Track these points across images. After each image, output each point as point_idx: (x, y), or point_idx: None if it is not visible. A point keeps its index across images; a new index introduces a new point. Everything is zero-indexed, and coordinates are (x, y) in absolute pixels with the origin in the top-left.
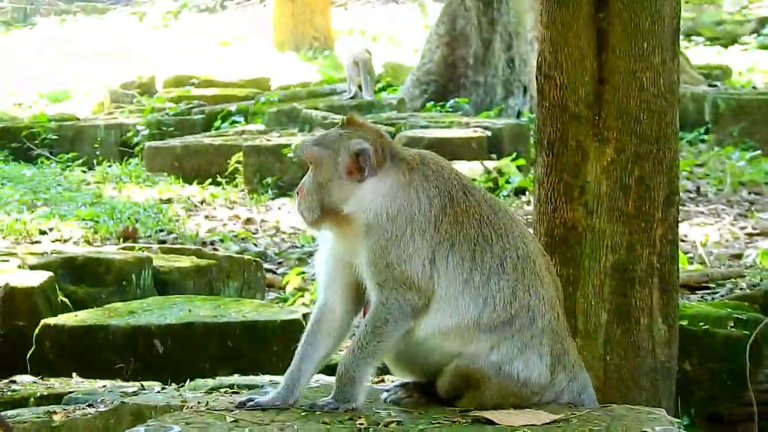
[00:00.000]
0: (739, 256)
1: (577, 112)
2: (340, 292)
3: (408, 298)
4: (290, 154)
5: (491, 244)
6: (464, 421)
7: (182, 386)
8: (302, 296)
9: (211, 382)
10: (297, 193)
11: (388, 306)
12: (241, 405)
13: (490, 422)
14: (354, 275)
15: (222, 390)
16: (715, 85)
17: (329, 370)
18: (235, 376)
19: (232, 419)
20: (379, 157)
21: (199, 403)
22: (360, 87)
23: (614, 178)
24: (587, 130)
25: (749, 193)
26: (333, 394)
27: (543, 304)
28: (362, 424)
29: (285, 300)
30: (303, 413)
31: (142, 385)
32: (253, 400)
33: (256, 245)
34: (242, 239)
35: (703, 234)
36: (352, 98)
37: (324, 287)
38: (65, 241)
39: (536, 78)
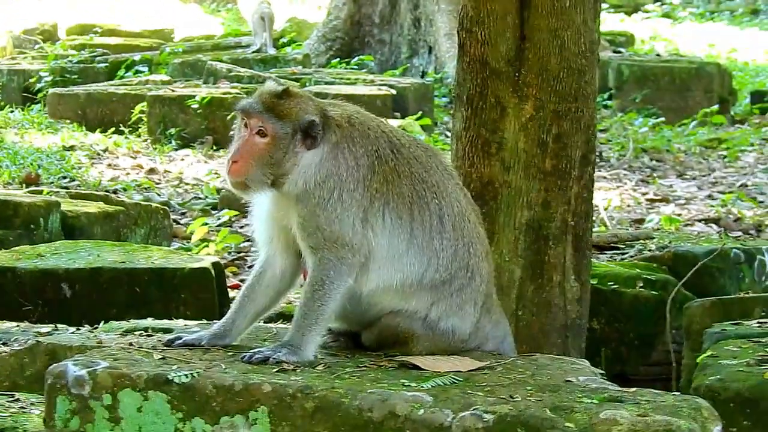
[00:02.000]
0: (640, 221)
1: (498, 68)
2: (279, 248)
3: (341, 257)
4: (194, 106)
5: (428, 202)
6: (390, 365)
7: (96, 328)
8: (207, 246)
9: (125, 324)
10: (233, 161)
11: (323, 266)
12: (170, 343)
13: (416, 367)
14: (291, 235)
15: (137, 332)
16: (620, 52)
17: None
18: (149, 319)
19: (160, 356)
20: (323, 126)
21: (130, 343)
22: (265, 42)
23: (532, 135)
24: (507, 87)
25: (651, 159)
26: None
27: (480, 260)
28: (289, 365)
29: (189, 250)
30: (230, 353)
31: (56, 326)
32: (181, 338)
33: (159, 195)
34: (145, 189)
35: (606, 198)
36: (256, 52)
37: (263, 244)
38: None
39: (458, 32)
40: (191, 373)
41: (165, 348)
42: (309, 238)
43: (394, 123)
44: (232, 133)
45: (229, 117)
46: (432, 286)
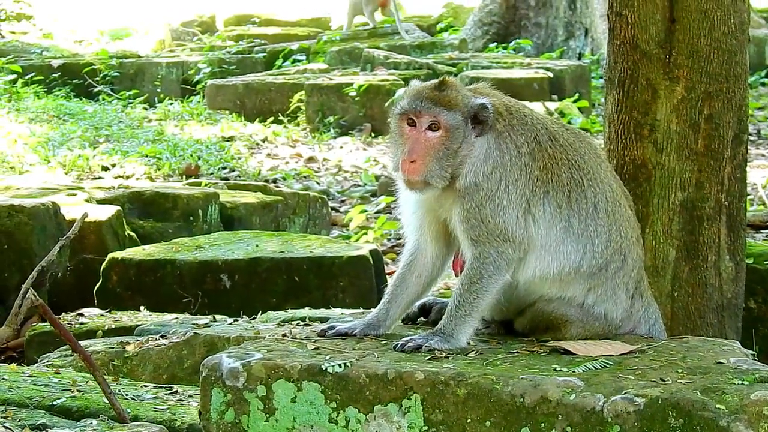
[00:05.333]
0: None
1: (648, 50)
2: (430, 237)
3: (502, 251)
4: (352, 93)
5: (584, 189)
6: (542, 351)
7: (254, 318)
8: (365, 234)
9: (283, 314)
10: (409, 162)
11: (483, 260)
12: (323, 333)
13: (568, 352)
14: (445, 225)
15: (294, 322)
16: None
17: None
18: (306, 309)
19: (314, 347)
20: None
21: (284, 334)
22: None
23: (684, 117)
24: (658, 69)
25: None
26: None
27: (631, 244)
28: (442, 353)
29: (348, 237)
30: (382, 342)
31: (214, 317)
32: (334, 328)
33: (318, 183)
34: (304, 177)
35: (764, 176)
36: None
37: (413, 233)
38: (128, 177)
39: (608, 16)
40: (344, 363)
41: (318, 338)
42: (472, 230)
43: (552, 105)
44: (388, 122)
45: (387, 104)
46: (589, 273)
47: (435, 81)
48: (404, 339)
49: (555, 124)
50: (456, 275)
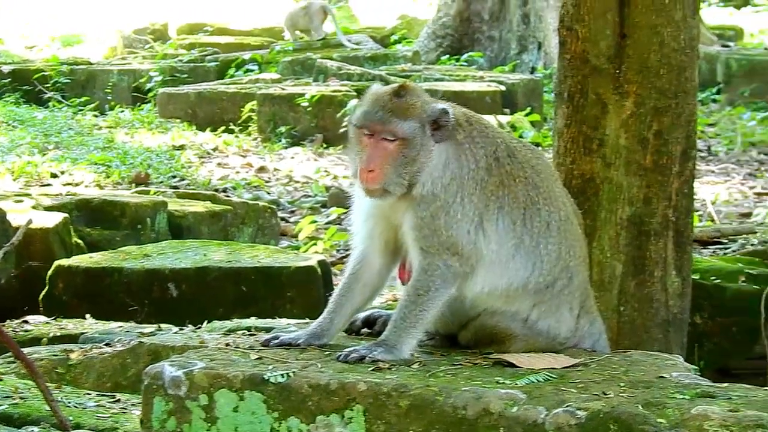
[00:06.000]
0: (748, 215)
1: (598, 65)
2: (378, 246)
3: (450, 265)
4: (304, 104)
5: (539, 208)
6: (485, 363)
7: (199, 327)
8: (315, 244)
9: (228, 323)
10: (367, 171)
11: (431, 272)
12: (267, 342)
13: (511, 365)
14: (395, 233)
15: (240, 332)
16: (728, 46)
17: None
18: (253, 318)
19: (256, 356)
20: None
21: (227, 343)
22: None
23: (633, 132)
24: (607, 83)
25: (759, 153)
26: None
27: (579, 263)
28: (384, 364)
29: (298, 248)
30: (326, 353)
31: (159, 326)
32: (278, 338)
33: (269, 193)
34: (255, 187)
35: (713, 192)
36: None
37: (362, 240)
38: (77, 184)
39: (558, 30)
40: (287, 373)
41: (262, 348)
42: (423, 239)
43: (504, 119)
44: (343, 131)
45: (338, 115)
46: (536, 289)
47: (395, 86)
48: (348, 350)
49: (513, 139)
50: (402, 283)
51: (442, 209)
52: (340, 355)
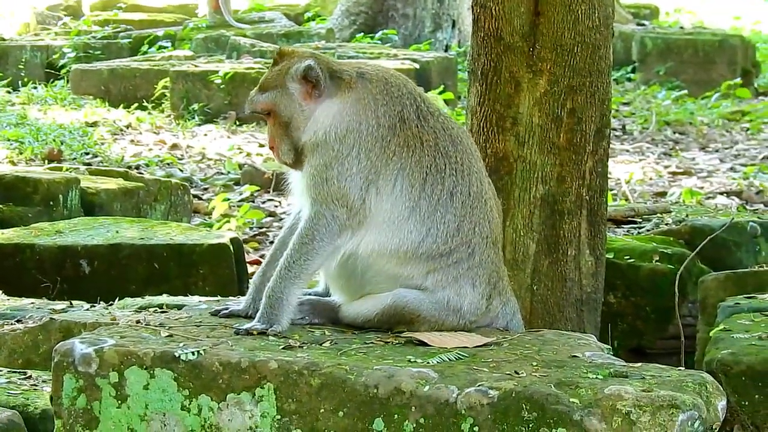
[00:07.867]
0: (662, 194)
1: (512, 43)
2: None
3: (337, 215)
4: (217, 81)
5: (443, 177)
6: (397, 342)
7: (111, 305)
8: (228, 222)
9: (140, 301)
10: (271, 148)
11: (316, 221)
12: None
13: (423, 343)
14: None
15: (151, 309)
16: (643, 24)
17: None
18: (164, 296)
19: (167, 334)
20: (324, 69)
21: (138, 321)
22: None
23: (546, 110)
24: (521, 62)
25: (674, 132)
26: (259, 315)
27: (485, 242)
28: (296, 342)
29: (211, 225)
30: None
31: (71, 303)
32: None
33: (181, 171)
34: (168, 164)
35: (628, 171)
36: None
37: (296, 197)
38: None
39: (472, 8)
40: (198, 351)
41: (172, 325)
42: (314, 187)
43: None
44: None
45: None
46: (429, 255)
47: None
48: (247, 325)
49: (434, 107)
50: None
51: (336, 159)
52: (239, 330)
